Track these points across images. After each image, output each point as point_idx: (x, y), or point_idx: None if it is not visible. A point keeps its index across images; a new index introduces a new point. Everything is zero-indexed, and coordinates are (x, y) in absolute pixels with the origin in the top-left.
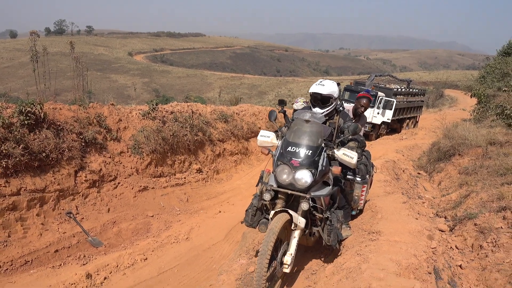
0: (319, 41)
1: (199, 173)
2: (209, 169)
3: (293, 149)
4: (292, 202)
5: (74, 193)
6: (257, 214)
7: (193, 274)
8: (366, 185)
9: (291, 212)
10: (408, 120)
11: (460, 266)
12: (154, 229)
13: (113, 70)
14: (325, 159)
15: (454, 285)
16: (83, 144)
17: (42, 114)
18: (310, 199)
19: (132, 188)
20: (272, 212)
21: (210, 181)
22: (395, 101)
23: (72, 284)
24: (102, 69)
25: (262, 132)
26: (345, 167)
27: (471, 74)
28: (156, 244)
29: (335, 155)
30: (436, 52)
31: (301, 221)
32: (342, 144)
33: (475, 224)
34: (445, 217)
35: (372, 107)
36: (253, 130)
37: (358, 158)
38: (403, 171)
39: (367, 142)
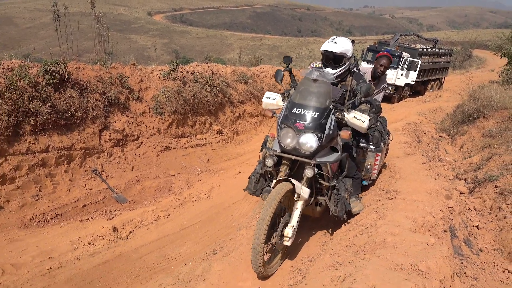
0: None
1: (219, 134)
2: (229, 131)
3: (299, 110)
4: (297, 169)
5: (99, 152)
6: (261, 181)
7: (213, 231)
8: (380, 154)
9: (293, 181)
10: (432, 82)
11: (477, 226)
12: (176, 187)
13: (132, 30)
14: (333, 122)
15: (470, 244)
16: (107, 103)
17: (66, 74)
18: (315, 166)
19: (155, 148)
20: (274, 181)
21: (230, 143)
22: (420, 62)
23: (99, 236)
24: (122, 29)
25: (267, 94)
26: (358, 134)
27: (502, 33)
28: (178, 201)
29: (345, 118)
30: (466, 9)
31: (304, 191)
32: (354, 107)
33: (496, 186)
34: (465, 179)
35: (396, 68)
36: (272, 90)
37: (372, 124)
38: (425, 133)
39: (388, 105)
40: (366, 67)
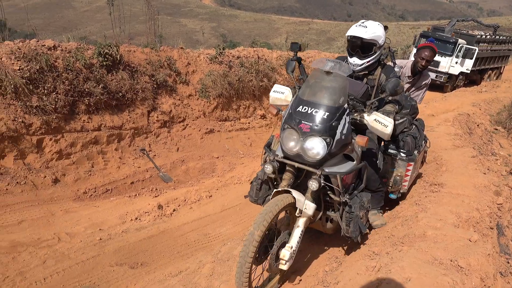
0: None
1: (263, 119)
2: (273, 116)
3: (305, 109)
4: (304, 178)
5: (147, 132)
6: (263, 188)
7: (253, 213)
8: (412, 164)
9: (294, 194)
10: (490, 71)
11: None
12: (219, 169)
13: (182, 14)
14: (346, 125)
15: None
16: (155, 86)
17: (118, 56)
18: (322, 177)
19: (199, 130)
20: (273, 191)
21: (273, 128)
22: (477, 49)
23: (146, 212)
24: (172, 13)
25: (275, 87)
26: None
27: None
28: (220, 183)
29: (364, 120)
30: None
31: (308, 207)
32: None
33: None
34: None
35: (450, 55)
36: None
37: (405, 127)
38: (478, 125)
39: (440, 94)
40: (404, 61)
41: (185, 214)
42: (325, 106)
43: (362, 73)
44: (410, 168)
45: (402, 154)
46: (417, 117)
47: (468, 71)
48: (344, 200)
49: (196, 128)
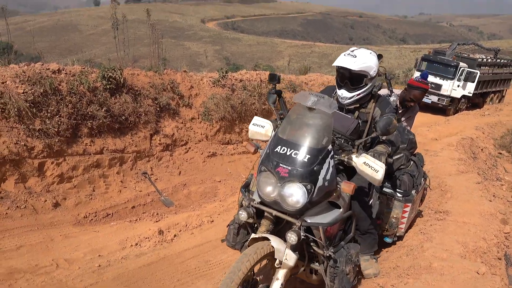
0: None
1: (265, 142)
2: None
3: (284, 150)
4: (286, 224)
5: (149, 155)
6: (241, 233)
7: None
8: (410, 205)
9: (273, 242)
10: (492, 94)
11: None
12: (221, 193)
13: (186, 37)
14: (330, 169)
15: None
16: (158, 109)
17: (122, 80)
18: (302, 228)
19: (202, 154)
20: (250, 238)
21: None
22: (478, 72)
23: (146, 238)
24: (176, 36)
25: (255, 119)
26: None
27: None
28: (222, 208)
29: (352, 163)
30: None
31: (289, 257)
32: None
33: None
34: None
35: (452, 79)
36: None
37: (401, 164)
38: (482, 150)
39: (443, 117)
40: (397, 91)
41: (186, 240)
42: (306, 147)
43: (353, 106)
44: (407, 209)
45: (399, 194)
46: (415, 152)
47: (470, 94)
48: (328, 254)
49: (198, 151)
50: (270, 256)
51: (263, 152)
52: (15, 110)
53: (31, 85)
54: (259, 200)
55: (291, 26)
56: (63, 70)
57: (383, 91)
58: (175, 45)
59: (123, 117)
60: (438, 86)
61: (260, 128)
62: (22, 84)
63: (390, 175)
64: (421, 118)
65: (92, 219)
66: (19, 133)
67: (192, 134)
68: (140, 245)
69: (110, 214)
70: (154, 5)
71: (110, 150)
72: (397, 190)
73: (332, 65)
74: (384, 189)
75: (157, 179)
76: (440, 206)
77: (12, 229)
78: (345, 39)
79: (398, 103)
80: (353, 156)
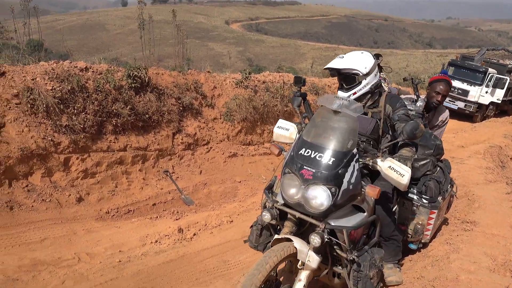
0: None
1: (287, 144)
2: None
3: (308, 152)
4: (310, 226)
5: (171, 154)
6: (264, 234)
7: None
8: (436, 211)
9: (296, 243)
10: None
11: None
12: (241, 194)
13: (210, 38)
14: (355, 172)
15: None
16: (181, 108)
17: (146, 79)
18: (326, 231)
19: (223, 154)
20: (273, 238)
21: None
22: (508, 79)
23: (166, 235)
24: (201, 37)
25: (280, 122)
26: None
27: None
28: (241, 208)
29: (377, 167)
30: None
31: (312, 259)
32: (394, 147)
33: None
34: None
35: (480, 84)
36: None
37: (427, 169)
38: (511, 159)
39: (469, 124)
40: (414, 97)
41: (205, 239)
42: (331, 150)
43: (361, 109)
44: (434, 216)
45: (425, 201)
46: (442, 158)
47: (499, 101)
48: (351, 258)
49: (219, 151)
50: (293, 257)
51: (287, 155)
52: (44, 106)
53: (59, 82)
54: (283, 202)
55: (315, 29)
56: (90, 68)
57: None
58: (199, 45)
59: (147, 116)
60: (465, 92)
61: (285, 131)
62: (51, 81)
63: (415, 180)
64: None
65: (114, 215)
66: (47, 129)
67: (214, 134)
68: (160, 242)
69: (131, 210)
70: (180, 6)
71: (133, 147)
72: (423, 196)
73: (323, 68)
74: (409, 194)
75: (178, 177)
76: (467, 216)
77: (37, 221)
78: (369, 43)
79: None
80: (378, 160)
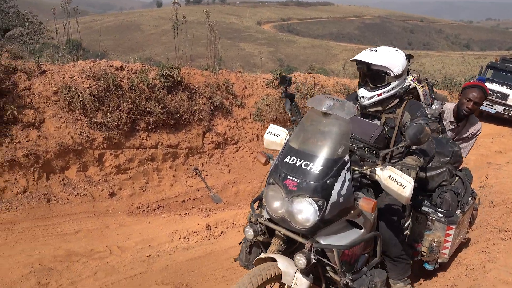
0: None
1: None
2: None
3: (293, 160)
4: (300, 244)
5: (201, 152)
6: (254, 251)
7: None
8: (454, 227)
9: (281, 264)
10: None
11: None
12: None
13: (242, 38)
14: (346, 183)
15: None
16: (212, 107)
17: (179, 78)
18: (313, 251)
19: (252, 153)
20: (256, 258)
21: None
22: None
23: (194, 232)
24: (232, 37)
25: (270, 127)
26: (420, 189)
27: None
28: None
29: (376, 176)
30: None
31: (300, 282)
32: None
33: None
34: None
35: None
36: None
37: (443, 179)
38: None
39: (508, 129)
40: (448, 104)
41: (232, 237)
42: (318, 157)
43: (375, 109)
44: (451, 232)
45: (440, 215)
46: (461, 167)
47: None
48: (345, 282)
49: (248, 150)
50: (277, 279)
51: (273, 163)
52: (80, 103)
53: (96, 81)
54: (268, 217)
55: (348, 29)
56: (125, 67)
57: (447, 105)
58: (231, 46)
59: (178, 114)
60: (505, 96)
61: (276, 137)
62: (88, 79)
63: (430, 192)
64: (484, 128)
65: (144, 210)
66: (83, 125)
67: (244, 133)
68: (188, 238)
69: (161, 206)
70: (213, 7)
71: (165, 145)
72: (438, 209)
73: (350, 60)
74: (423, 208)
75: (207, 175)
76: (505, 225)
77: (72, 214)
78: (403, 44)
79: (452, 117)
80: (377, 169)
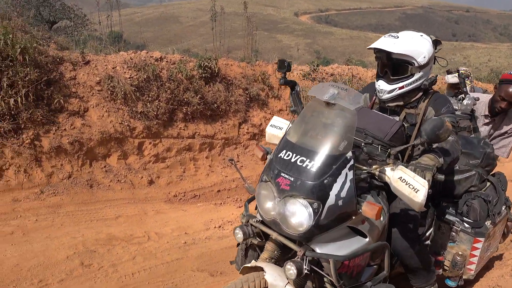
0: None
1: None
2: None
3: (289, 155)
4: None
5: (236, 143)
6: (250, 255)
7: None
8: (482, 240)
9: (268, 275)
10: None
11: None
12: None
13: (279, 30)
14: (348, 183)
15: None
16: (248, 99)
17: (216, 69)
18: (306, 259)
19: None
20: (242, 267)
21: None
22: None
23: (229, 221)
24: (269, 29)
25: (274, 120)
26: (443, 193)
27: None
28: None
29: (385, 177)
30: None
31: None
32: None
33: None
34: None
35: None
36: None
37: (471, 184)
38: None
39: None
40: (482, 95)
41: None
42: (316, 153)
43: (395, 104)
44: (479, 245)
45: (466, 225)
46: (495, 171)
47: None
48: None
49: None
50: None
51: (268, 158)
52: (122, 93)
53: (137, 71)
54: (261, 218)
55: (388, 21)
56: (165, 58)
57: (478, 95)
58: (268, 37)
59: (215, 105)
60: None
61: (278, 130)
62: (129, 69)
63: (456, 198)
64: None
65: (181, 199)
66: (124, 114)
67: None
68: (223, 227)
69: (197, 195)
70: None
71: (201, 135)
72: (465, 219)
73: (367, 48)
74: (447, 216)
75: (242, 166)
76: None
77: (113, 200)
78: (447, 35)
79: (487, 111)
80: (387, 169)
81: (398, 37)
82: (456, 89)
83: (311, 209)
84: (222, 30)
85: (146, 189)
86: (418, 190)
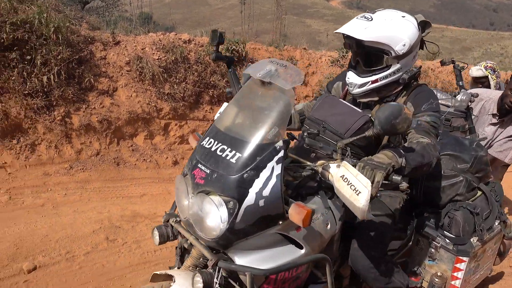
0: None
1: None
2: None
3: (210, 143)
4: None
5: None
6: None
7: None
8: (466, 260)
9: (176, 285)
10: None
11: None
12: None
13: (308, 14)
14: (273, 179)
15: None
16: None
17: (244, 53)
18: (219, 270)
19: None
20: (152, 274)
21: None
22: None
23: None
24: (299, 13)
25: (223, 107)
26: (426, 203)
27: None
28: None
29: (327, 174)
30: None
31: None
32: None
33: None
34: None
35: None
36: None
37: (458, 193)
38: None
39: None
40: (491, 92)
41: None
42: (238, 141)
43: (367, 99)
44: (462, 266)
45: (447, 240)
46: (488, 179)
47: None
48: None
49: None
50: None
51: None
52: (150, 74)
53: (165, 53)
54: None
55: (422, 7)
56: (193, 40)
57: (493, 94)
58: (297, 22)
59: None
60: None
61: None
62: (158, 51)
63: (438, 208)
64: None
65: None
66: (151, 95)
67: None
68: None
69: None
70: None
71: None
72: (446, 233)
73: (334, 31)
74: (426, 229)
75: None
76: None
77: (138, 178)
78: (484, 24)
79: (496, 109)
80: (332, 166)
81: (372, 19)
82: (481, 83)
83: (225, 209)
84: (251, 14)
85: (170, 169)
86: (359, 193)
